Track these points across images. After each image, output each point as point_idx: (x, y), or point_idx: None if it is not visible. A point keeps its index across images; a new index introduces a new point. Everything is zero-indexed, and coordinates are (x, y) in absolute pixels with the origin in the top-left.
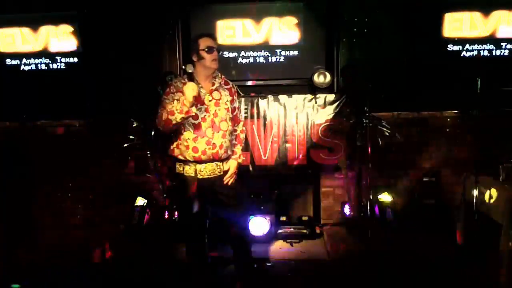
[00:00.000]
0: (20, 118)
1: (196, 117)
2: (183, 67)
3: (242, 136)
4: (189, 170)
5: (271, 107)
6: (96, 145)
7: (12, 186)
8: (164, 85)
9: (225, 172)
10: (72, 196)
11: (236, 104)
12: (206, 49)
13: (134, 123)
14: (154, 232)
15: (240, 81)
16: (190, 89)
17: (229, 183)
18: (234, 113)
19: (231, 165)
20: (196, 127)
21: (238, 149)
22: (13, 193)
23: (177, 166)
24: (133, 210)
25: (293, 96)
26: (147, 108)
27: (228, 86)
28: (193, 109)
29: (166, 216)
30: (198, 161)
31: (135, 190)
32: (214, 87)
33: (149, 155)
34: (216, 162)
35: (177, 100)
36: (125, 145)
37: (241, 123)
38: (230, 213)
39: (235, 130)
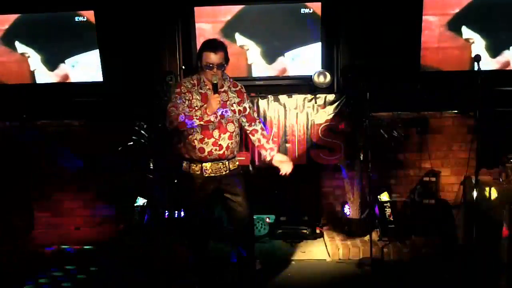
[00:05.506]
0: (20, 118)
1: (202, 118)
2: (183, 67)
3: (265, 132)
4: (195, 169)
5: (271, 107)
6: (96, 145)
7: (11, 185)
8: (164, 85)
9: (231, 171)
10: (72, 196)
11: (247, 104)
12: (207, 65)
13: (135, 122)
14: (154, 232)
15: (241, 80)
16: (217, 101)
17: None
18: (246, 112)
19: (285, 160)
20: (203, 128)
21: (271, 145)
22: (13, 192)
23: (183, 164)
24: (133, 210)
25: (293, 96)
26: (148, 108)
27: (237, 88)
28: (212, 116)
29: (166, 216)
30: (204, 160)
31: (135, 190)
32: (222, 89)
33: (150, 155)
34: (222, 161)
35: (188, 100)
36: (126, 144)
37: (257, 121)
38: (235, 212)
39: (256, 131)
